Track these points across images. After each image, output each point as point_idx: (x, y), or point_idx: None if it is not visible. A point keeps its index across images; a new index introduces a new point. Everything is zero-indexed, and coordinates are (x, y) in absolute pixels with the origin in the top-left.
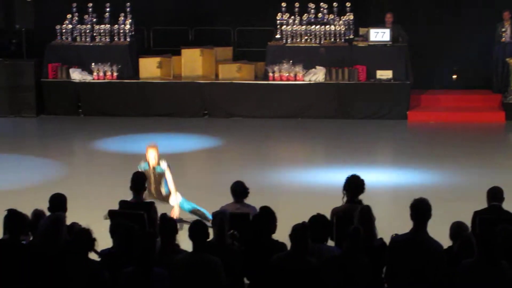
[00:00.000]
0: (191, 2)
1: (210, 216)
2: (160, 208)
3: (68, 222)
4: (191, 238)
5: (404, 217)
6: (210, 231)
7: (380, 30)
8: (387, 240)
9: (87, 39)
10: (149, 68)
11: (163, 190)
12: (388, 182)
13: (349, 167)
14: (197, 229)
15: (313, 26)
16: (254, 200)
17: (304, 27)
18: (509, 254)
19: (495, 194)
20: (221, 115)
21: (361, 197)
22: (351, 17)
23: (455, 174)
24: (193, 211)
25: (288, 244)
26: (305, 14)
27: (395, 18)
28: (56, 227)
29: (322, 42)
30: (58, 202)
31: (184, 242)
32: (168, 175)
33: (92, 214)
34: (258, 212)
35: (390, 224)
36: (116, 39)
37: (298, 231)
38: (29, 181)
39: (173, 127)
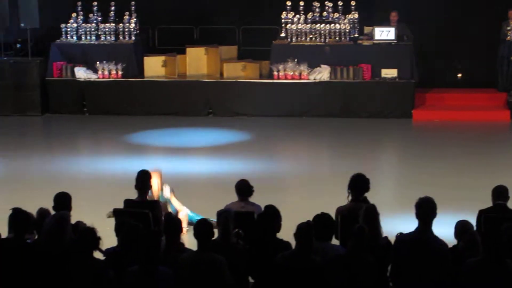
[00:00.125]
0: (196, 1)
1: None
2: None
3: (73, 221)
4: (196, 237)
5: (409, 216)
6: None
7: (385, 29)
8: (392, 239)
9: (92, 38)
10: (154, 66)
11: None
12: (393, 181)
13: (354, 165)
14: (202, 228)
15: (318, 25)
16: (258, 198)
17: (309, 25)
18: None
19: (500, 193)
20: (226, 113)
21: (365, 195)
22: (356, 15)
23: (460, 173)
24: None
25: (293, 243)
26: (310, 13)
27: (400, 16)
28: (61, 226)
29: (327, 41)
30: (63, 200)
31: (189, 241)
32: (175, 201)
33: (97, 212)
34: (262, 211)
35: (395, 223)
36: (121, 38)
37: (302, 230)
38: (31, 181)
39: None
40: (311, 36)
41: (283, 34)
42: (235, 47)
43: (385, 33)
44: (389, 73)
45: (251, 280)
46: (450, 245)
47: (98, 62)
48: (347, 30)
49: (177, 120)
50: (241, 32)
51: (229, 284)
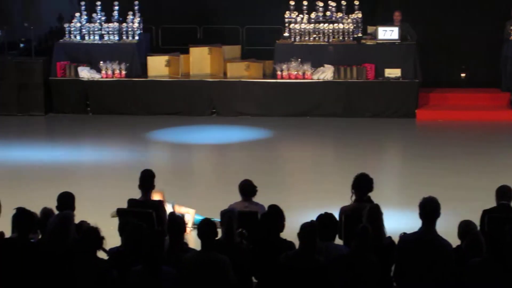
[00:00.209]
0: (200, 1)
1: None
2: None
3: (77, 220)
4: (200, 236)
5: (413, 216)
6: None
7: (388, 29)
8: (395, 239)
9: (96, 37)
10: (158, 66)
11: None
12: (396, 180)
13: (357, 165)
14: (205, 227)
15: (322, 25)
16: (261, 198)
17: (312, 25)
18: None
19: (504, 193)
20: (229, 113)
21: (369, 195)
22: (360, 15)
23: (464, 173)
24: None
25: (296, 243)
26: (314, 12)
27: (403, 16)
28: (64, 225)
29: (330, 41)
30: (67, 200)
31: (193, 240)
32: (179, 210)
33: (101, 212)
34: (266, 211)
35: (399, 222)
36: (124, 37)
37: (306, 229)
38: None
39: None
40: (314, 35)
41: (286, 34)
42: (238, 46)
43: (388, 33)
44: (392, 72)
45: (254, 280)
46: (454, 245)
47: (101, 62)
48: (351, 30)
49: (180, 119)
50: (244, 31)
51: (233, 284)
